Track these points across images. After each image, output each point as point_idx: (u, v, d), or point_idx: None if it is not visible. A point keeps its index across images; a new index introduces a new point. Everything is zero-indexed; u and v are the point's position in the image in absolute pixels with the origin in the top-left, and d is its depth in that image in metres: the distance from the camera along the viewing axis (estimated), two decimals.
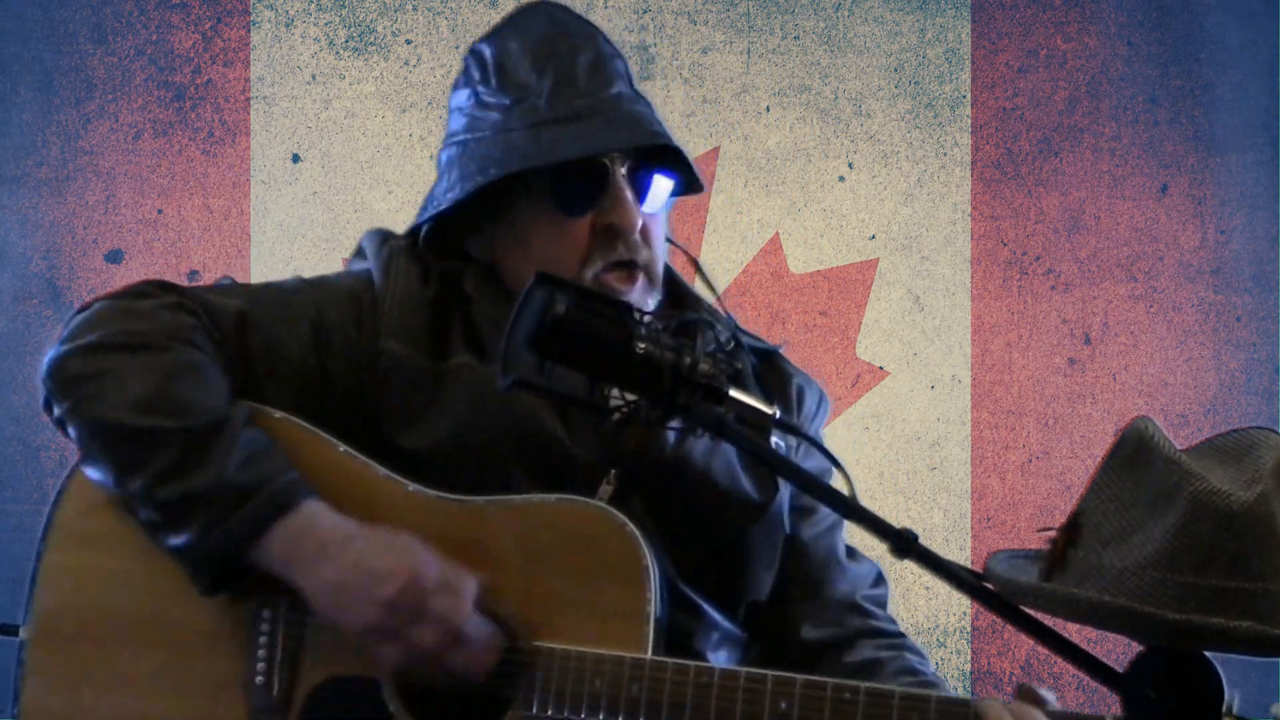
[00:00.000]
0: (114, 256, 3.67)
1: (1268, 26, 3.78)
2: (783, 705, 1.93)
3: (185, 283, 2.47)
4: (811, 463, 2.22)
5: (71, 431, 2.07)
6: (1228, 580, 1.60)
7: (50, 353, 2.09)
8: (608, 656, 1.98)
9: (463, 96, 2.22)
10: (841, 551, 2.29)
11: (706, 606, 2.13)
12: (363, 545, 1.99)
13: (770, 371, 2.29)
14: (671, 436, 2.13)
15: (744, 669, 1.97)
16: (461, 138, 2.20)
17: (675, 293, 2.29)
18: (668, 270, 2.29)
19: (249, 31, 3.72)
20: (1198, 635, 1.60)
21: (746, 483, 2.18)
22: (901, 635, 2.26)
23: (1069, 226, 3.78)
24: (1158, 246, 3.79)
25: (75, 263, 3.67)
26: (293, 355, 2.12)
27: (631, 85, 2.19)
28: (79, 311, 2.11)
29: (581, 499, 2.04)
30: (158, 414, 2.00)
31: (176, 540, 2.00)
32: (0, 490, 3.65)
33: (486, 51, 2.21)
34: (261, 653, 2.05)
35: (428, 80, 3.71)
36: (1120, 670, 1.66)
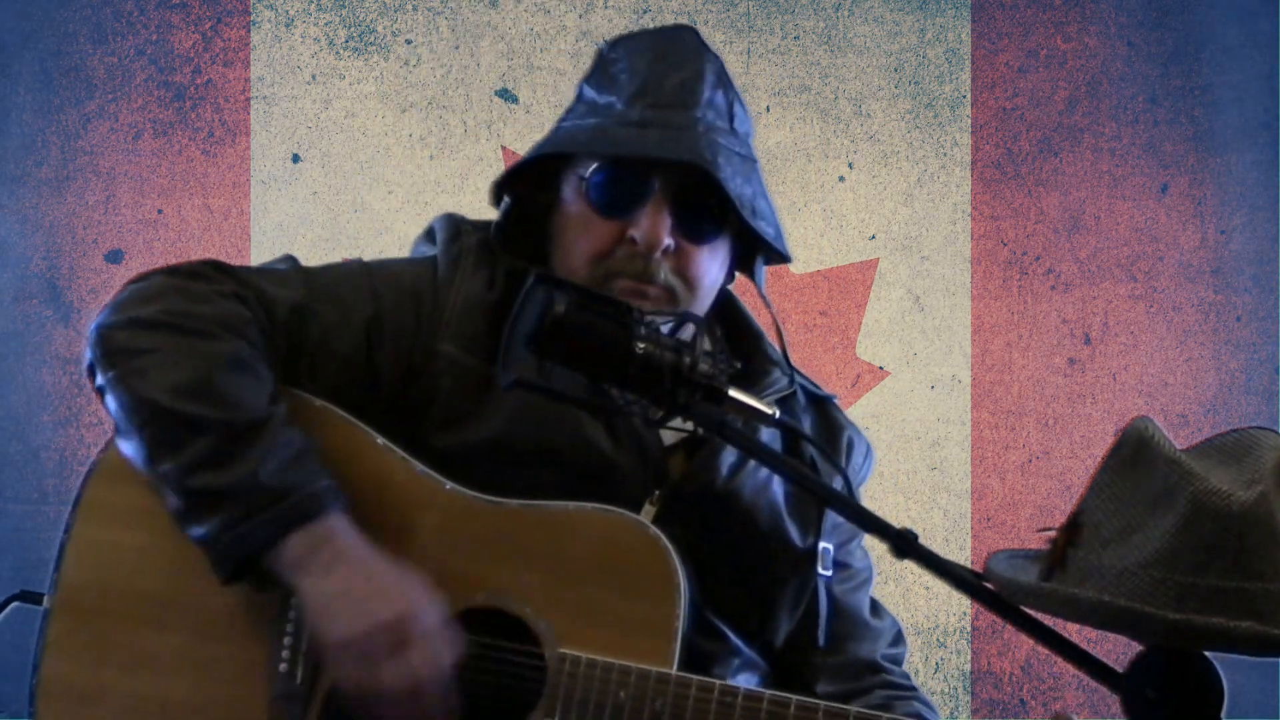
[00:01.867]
0: (114, 256, 3.67)
1: (1268, 26, 3.78)
2: None
3: None
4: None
5: (110, 402, 2.04)
6: (1228, 580, 1.60)
7: (99, 318, 2.06)
8: (633, 669, 1.97)
9: (580, 88, 2.21)
10: (867, 610, 2.28)
11: (730, 633, 2.12)
12: (377, 567, 1.98)
13: (823, 418, 2.28)
14: (725, 468, 2.12)
15: (768, 691, 1.97)
16: (557, 124, 2.19)
17: (735, 327, 2.27)
18: (733, 306, 2.28)
19: (249, 31, 3.72)
20: (1198, 635, 1.60)
21: (791, 529, 2.17)
22: (914, 689, 2.27)
23: (1069, 226, 3.78)
24: (1158, 246, 3.79)
25: (75, 263, 3.67)
26: (343, 349, 2.10)
27: (729, 121, 2.14)
28: (134, 281, 2.09)
29: (618, 510, 2.03)
30: (199, 402, 1.98)
31: (198, 530, 1.99)
32: (0, 490, 3.64)
33: (605, 49, 2.20)
34: (287, 640, 2.04)
35: (428, 80, 3.71)
36: (1120, 670, 1.66)
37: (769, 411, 1.88)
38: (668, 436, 2.13)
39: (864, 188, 3.76)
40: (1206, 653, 1.63)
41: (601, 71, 2.17)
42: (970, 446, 3.75)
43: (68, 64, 3.69)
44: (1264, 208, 3.79)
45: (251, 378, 2.03)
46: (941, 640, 3.72)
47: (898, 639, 2.30)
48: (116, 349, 2.03)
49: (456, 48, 3.69)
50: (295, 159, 3.71)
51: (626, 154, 2.09)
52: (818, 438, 2.22)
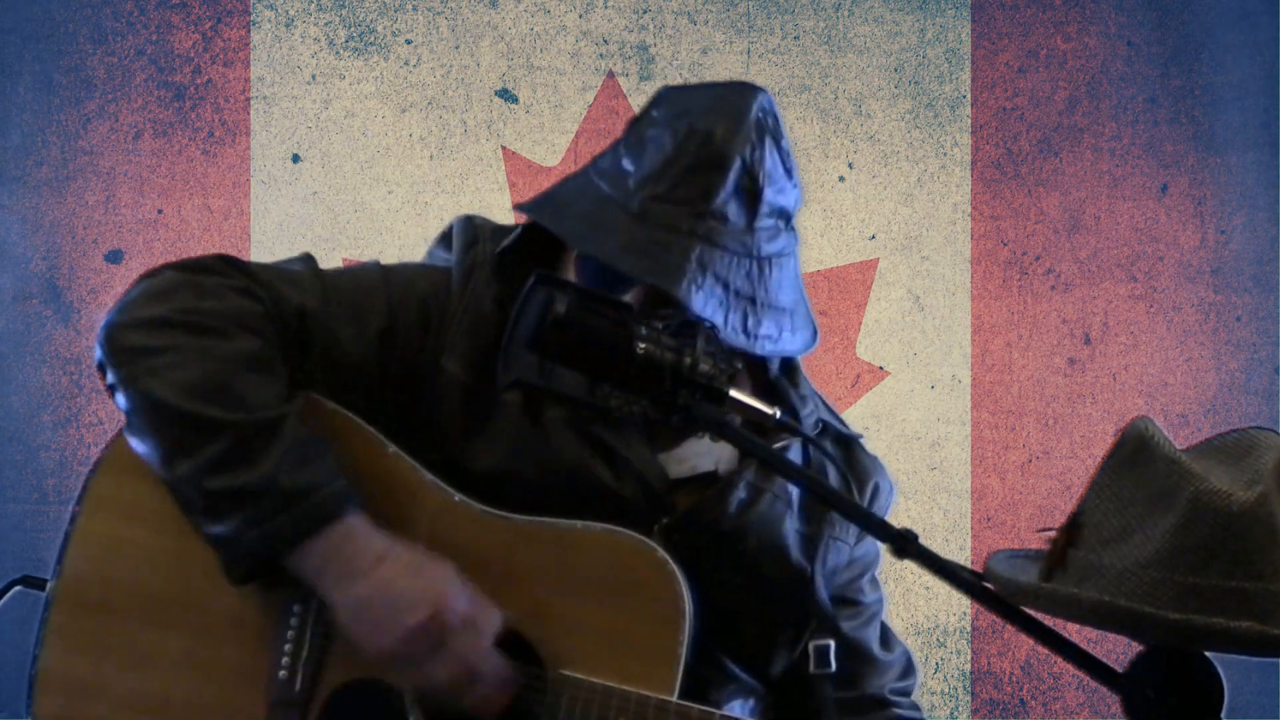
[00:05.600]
0: (114, 256, 3.68)
1: (1268, 26, 3.79)
2: None
3: None
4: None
5: (121, 402, 2.02)
6: (1228, 580, 1.60)
7: (109, 316, 2.03)
8: (633, 694, 1.96)
9: (627, 129, 2.13)
10: (876, 644, 2.26)
11: (727, 661, 2.11)
12: (393, 568, 1.97)
13: (850, 459, 2.23)
14: (734, 505, 2.10)
15: None
16: (589, 168, 2.12)
17: (767, 389, 2.21)
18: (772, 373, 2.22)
19: (249, 31, 3.72)
20: (1198, 635, 1.60)
21: (798, 566, 2.14)
22: (920, 718, 2.27)
23: (1069, 226, 3.78)
24: (1158, 246, 3.79)
25: (75, 263, 3.67)
26: (354, 356, 2.07)
27: (748, 218, 2.06)
28: (145, 277, 2.06)
29: (626, 531, 2.02)
30: (214, 403, 1.97)
31: (216, 529, 1.98)
32: (0, 490, 3.64)
33: (655, 106, 2.11)
34: (288, 646, 2.03)
35: (428, 80, 3.71)
36: (1120, 670, 1.66)
37: (769, 411, 1.87)
38: (674, 470, 2.11)
39: (864, 188, 3.76)
40: (1206, 653, 1.63)
41: (637, 127, 2.10)
42: (970, 446, 3.75)
43: (68, 64, 3.69)
44: (1264, 208, 3.79)
45: (265, 375, 2.01)
46: (941, 640, 3.72)
47: (907, 670, 2.28)
48: (127, 348, 2.00)
49: (456, 48, 3.69)
50: (295, 159, 3.71)
51: (599, 257, 2.03)
52: (841, 482, 2.15)
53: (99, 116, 3.69)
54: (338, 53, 3.73)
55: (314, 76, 3.72)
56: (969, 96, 3.77)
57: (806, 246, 3.75)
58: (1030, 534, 1.83)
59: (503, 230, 2.16)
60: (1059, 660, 1.73)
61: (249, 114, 3.71)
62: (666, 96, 2.11)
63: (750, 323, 2.06)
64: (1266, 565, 1.60)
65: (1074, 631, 1.71)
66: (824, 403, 2.24)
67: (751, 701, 2.15)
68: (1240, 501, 1.60)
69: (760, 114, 2.08)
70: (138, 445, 2.02)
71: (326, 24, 3.73)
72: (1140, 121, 3.78)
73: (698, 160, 2.03)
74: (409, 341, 2.08)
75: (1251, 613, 1.60)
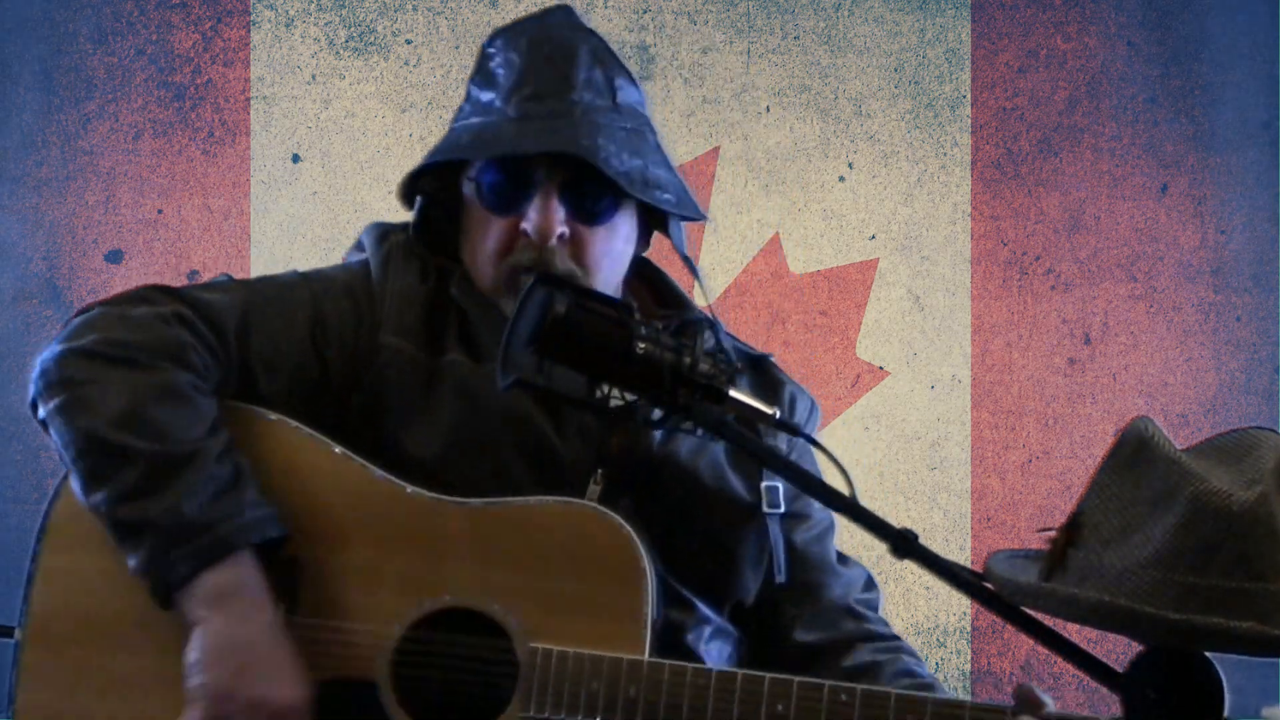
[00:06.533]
0: (114, 256, 3.67)
1: (1268, 26, 3.78)
2: (779, 707, 1.94)
3: (185, 282, 2.47)
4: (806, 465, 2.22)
5: (52, 433, 2.08)
6: (1228, 580, 1.60)
7: (44, 352, 2.09)
8: (605, 658, 1.98)
9: (468, 87, 2.24)
10: (833, 557, 2.29)
11: (698, 602, 2.13)
12: (264, 636, 2.00)
13: (762, 378, 2.29)
14: (657, 436, 2.14)
15: (741, 670, 1.98)
16: (453, 125, 2.22)
17: (664, 296, 2.30)
18: (658, 275, 2.30)
19: (249, 31, 3.72)
20: (1198, 635, 1.60)
21: (735, 482, 2.19)
22: (897, 638, 2.27)
23: (1069, 226, 3.78)
24: (1158, 246, 3.79)
25: (75, 263, 3.67)
26: (291, 353, 2.12)
27: (610, 96, 2.17)
28: (79, 313, 2.12)
29: (579, 501, 2.06)
30: (130, 432, 2.01)
31: (131, 560, 2.01)
32: (0, 491, 3.64)
33: (485, 45, 2.23)
34: None
35: (428, 80, 3.71)
36: (1120, 670, 1.66)
37: (770, 411, 1.88)
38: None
39: (864, 188, 3.76)
40: (1206, 653, 1.63)
41: (482, 68, 2.20)
42: (970, 446, 3.75)
43: (68, 64, 3.69)
44: (1264, 208, 3.79)
45: (185, 407, 2.04)
46: (941, 640, 3.72)
47: (869, 584, 2.31)
48: (57, 381, 2.06)
49: (456, 48, 3.69)
50: (295, 159, 3.71)
51: (502, 154, 2.12)
52: (757, 394, 2.21)
53: (99, 116, 3.69)
54: (338, 53, 3.73)
55: (314, 76, 3.72)
56: (969, 96, 3.77)
57: (806, 246, 3.76)
58: (1030, 534, 1.83)
59: (406, 225, 2.25)
60: (1059, 660, 1.73)
61: (249, 114, 3.71)
62: (494, 35, 2.23)
63: (650, 183, 2.15)
64: (1266, 565, 1.60)
65: (1074, 631, 1.71)
66: (726, 331, 2.28)
67: (729, 648, 2.17)
68: (1240, 501, 1.60)
69: (582, 20, 2.24)
70: (71, 478, 2.07)
71: (326, 24, 3.73)
72: (1140, 121, 3.78)
73: (550, 56, 2.15)
74: (341, 329, 2.13)
75: (1252, 613, 1.60)
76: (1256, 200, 3.79)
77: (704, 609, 2.14)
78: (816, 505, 2.28)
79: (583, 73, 2.15)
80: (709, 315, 2.28)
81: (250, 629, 1.99)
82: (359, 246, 2.26)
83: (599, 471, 2.11)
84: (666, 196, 2.16)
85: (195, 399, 2.05)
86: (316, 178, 3.71)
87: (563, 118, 2.12)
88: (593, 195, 2.13)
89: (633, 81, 2.21)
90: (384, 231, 2.24)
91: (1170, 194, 3.79)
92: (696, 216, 2.22)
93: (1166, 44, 3.78)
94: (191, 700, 1.99)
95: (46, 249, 3.68)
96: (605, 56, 2.19)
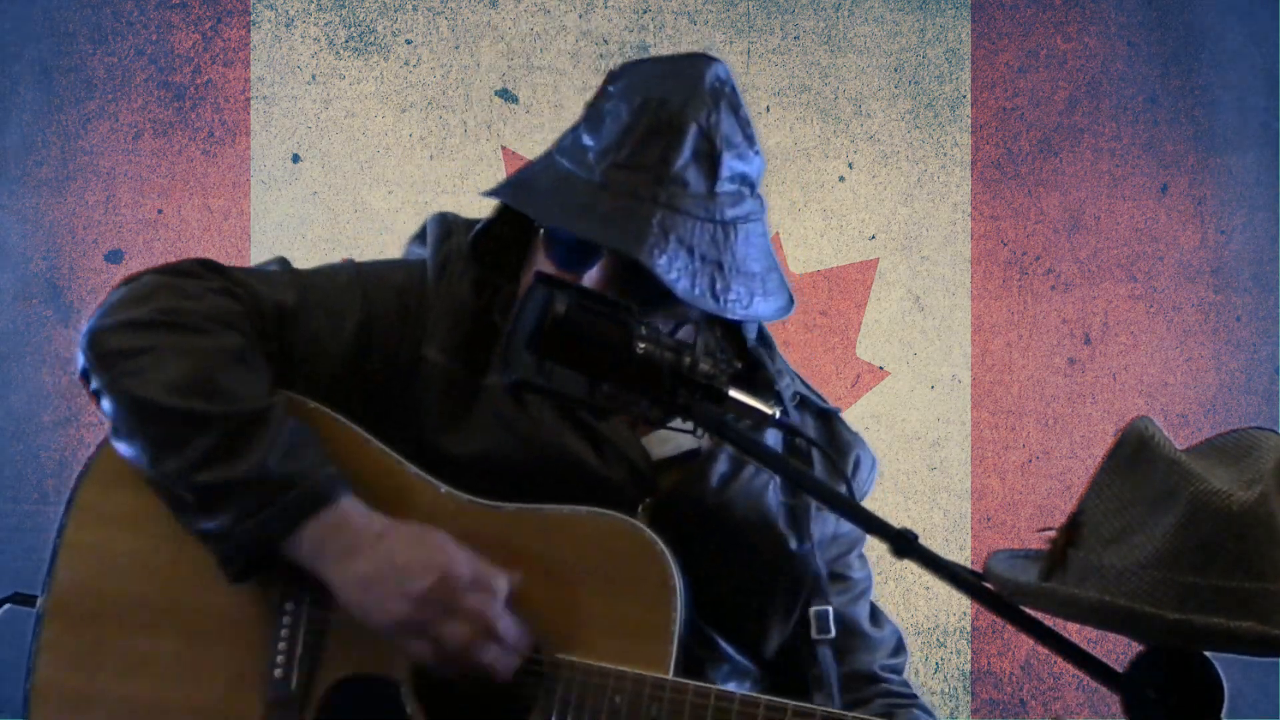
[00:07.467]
0: (114, 256, 3.68)
1: (1268, 26, 3.79)
2: None
3: None
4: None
5: (106, 406, 2.03)
6: (1228, 580, 1.60)
7: (90, 322, 2.05)
8: (629, 674, 1.97)
9: (586, 109, 2.15)
10: (866, 620, 2.27)
11: (721, 641, 2.12)
12: (394, 542, 1.98)
13: (830, 434, 2.26)
14: (715, 479, 2.12)
15: (764, 697, 1.97)
16: (553, 151, 2.14)
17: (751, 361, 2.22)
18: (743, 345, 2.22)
19: (249, 31, 3.72)
20: (1198, 635, 1.60)
21: (787, 537, 2.15)
22: (915, 696, 2.26)
23: (1069, 226, 3.78)
24: (1158, 246, 3.79)
25: (75, 263, 3.67)
26: (334, 351, 2.09)
27: (710, 183, 2.04)
28: (125, 282, 2.08)
29: (614, 514, 2.03)
30: (200, 397, 1.98)
31: (209, 524, 1.99)
32: (0, 490, 3.64)
33: (608, 82, 2.13)
34: (282, 645, 2.03)
35: (428, 80, 3.71)
36: (1120, 670, 1.66)
37: (769, 411, 1.87)
38: (657, 450, 2.12)
39: (864, 188, 3.76)
40: (1206, 653, 1.63)
41: (596, 105, 2.11)
42: (970, 446, 3.75)
43: (68, 64, 3.69)
44: (1264, 208, 3.79)
45: (248, 369, 2.03)
46: (941, 640, 3.72)
47: (898, 648, 2.29)
48: (111, 351, 2.02)
49: (456, 48, 3.69)
50: (295, 159, 3.72)
51: (565, 228, 2.05)
52: (824, 459, 2.18)
53: (99, 116, 3.70)
54: (338, 53, 3.73)
55: (314, 76, 3.72)
56: (969, 96, 3.77)
57: (806, 246, 3.76)
58: (1030, 534, 1.83)
59: (475, 224, 2.18)
60: (1059, 660, 1.73)
61: (249, 114, 3.71)
62: (621, 72, 2.13)
63: (719, 287, 2.06)
64: (1266, 565, 1.60)
65: (1074, 631, 1.71)
66: (799, 378, 2.25)
67: (747, 684, 2.15)
68: (1240, 501, 1.60)
69: (716, 82, 2.08)
70: (124, 449, 2.03)
71: (326, 24, 3.73)
72: (1140, 121, 3.78)
73: (654, 126, 2.04)
74: (387, 333, 2.10)
75: (1252, 613, 1.60)
76: (1256, 200, 3.79)
77: (725, 648, 2.12)
78: (856, 567, 2.27)
79: (685, 154, 2.03)
80: (826, 403, 2.24)
81: (387, 542, 1.97)
82: (421, 237, 2.20)
83: (646, 501, 2.09)
84: (733, 299, 2.06)
85: (253, 361, 2.04)
86: (316, 178, 3.71)
87: (642, 204, 2.02)
88: (652, 282, 2.02)
89: (751, 146, 2.09)
90: (447, 230, 2.18)
91: (1170, 194, 3.79)
92: (768, 318, 2.14)
93: (1166, 44, 3.78)
94: (403, 639, 1.96)
95: (46, 249, 3.68)
96: (717, 130, 2.05)
